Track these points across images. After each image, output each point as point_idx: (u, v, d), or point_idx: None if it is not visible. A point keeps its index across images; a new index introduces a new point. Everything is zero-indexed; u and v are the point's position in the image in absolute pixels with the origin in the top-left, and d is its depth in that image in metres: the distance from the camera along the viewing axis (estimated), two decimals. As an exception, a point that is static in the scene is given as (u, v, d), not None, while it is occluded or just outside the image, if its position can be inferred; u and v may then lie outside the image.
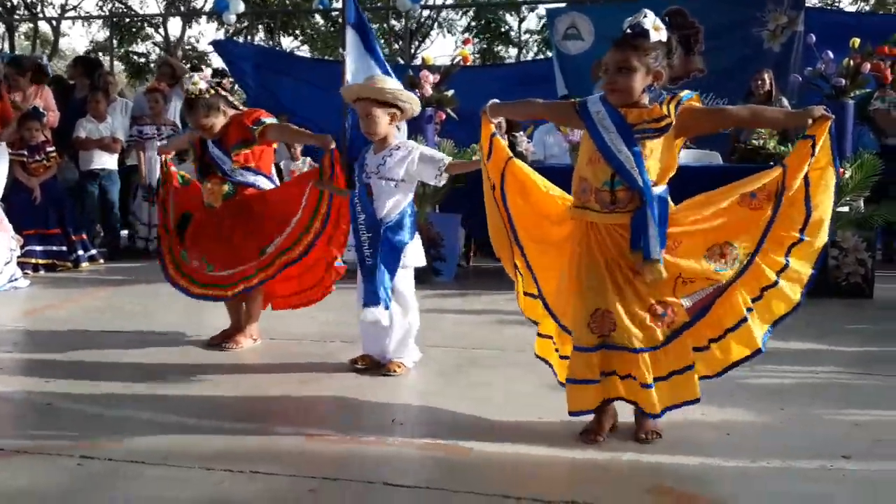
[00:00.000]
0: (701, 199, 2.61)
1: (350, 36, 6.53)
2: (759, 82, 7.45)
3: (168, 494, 2.23)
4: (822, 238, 2.58)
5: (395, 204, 3.40)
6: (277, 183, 4.08)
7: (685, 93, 2.59)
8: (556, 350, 2.82)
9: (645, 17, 2.53)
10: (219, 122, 3.87)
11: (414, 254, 3.45)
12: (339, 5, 10.82)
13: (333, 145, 3.67)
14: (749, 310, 2.58)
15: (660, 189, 2.56)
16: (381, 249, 3.33)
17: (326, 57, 21.38)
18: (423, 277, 5.88)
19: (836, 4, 19.66)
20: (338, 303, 3.95)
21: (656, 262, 2.48)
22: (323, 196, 3.75)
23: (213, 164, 3.90)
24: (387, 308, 3.30)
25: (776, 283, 2.58)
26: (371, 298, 3.30)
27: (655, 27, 2.53)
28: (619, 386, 2.59)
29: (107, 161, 7.58)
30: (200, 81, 3.82)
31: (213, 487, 2.27)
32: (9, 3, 22.32)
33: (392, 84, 3.49)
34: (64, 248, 6.77)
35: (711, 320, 2.59)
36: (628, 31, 2.56)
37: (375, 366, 3.50)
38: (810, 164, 2.50)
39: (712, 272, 2.55)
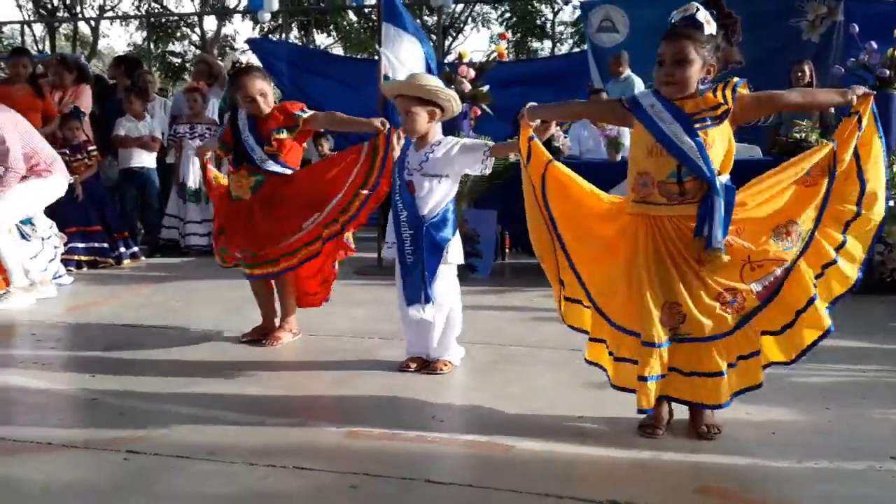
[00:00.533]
0: (757, 183, 2.60)
1: (385, 30, 6.48)
2: (800, 74, 7.31)
3: (213, 489, 2.26)
4: (879, 211, 2.59)
5: (439, 201, 3.38)
6: None
7: (736, 79, 2.57)
8: (611, 353, 2.78)
9: (697, 10, 2.51)
10: (269, 99, 3.88)
11: (455, 250, 3.43)
12: (372, 1, 10.84)
13: (388, 126, 3.68)
14: (814, 286, 2.56)
15: (724, 177, 2.56)
16: (424, 247, 3.31)
17: (360, 55, 21.49)
18: (459, 274, 5.89)
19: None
20: (371, 298, 3.96)
21: (718, 250, 2.47)
22: (370, 176, 3.75)
23: (244, 154, 3.88)
24: (431, 305, 3.30)
25: (835, 260, 2.58)
26: (414, 296, 3.30)
27: (707, 20, 2.52)
28: (680, 384, 2.58)
29: (146, 159, 7.66)
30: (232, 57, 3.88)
31: (257, 482, 2.30)
32: (49, 5, 22.74)
33: (433, 81, 3.45)
34: (106, 246, 6.86)
35: (783, 303, 2.56)
36: (681, 21, 2.53)
37: (424, 365, 3.48)
38: (858, 137, 2.54)
39: (782, 252, 2.54)
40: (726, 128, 2.57)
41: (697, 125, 2.53)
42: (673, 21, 2.58)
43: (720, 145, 2.55)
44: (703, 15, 2.53)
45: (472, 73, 6.26)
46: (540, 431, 2.69)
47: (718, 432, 2.61)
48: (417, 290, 3.29)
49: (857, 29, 5.82)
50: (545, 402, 3.03)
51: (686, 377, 2.57)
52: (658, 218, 2.58)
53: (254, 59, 11.95)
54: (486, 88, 6.36)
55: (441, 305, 3.38)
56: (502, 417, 2.87)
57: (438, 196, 3.38)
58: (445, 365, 3.43)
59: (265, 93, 3.86)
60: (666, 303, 2.54)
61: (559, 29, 23.54)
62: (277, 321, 4.07)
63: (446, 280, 3.41)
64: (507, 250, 7.22)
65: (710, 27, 2.54)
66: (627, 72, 8.27)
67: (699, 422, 2.64)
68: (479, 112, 6.39)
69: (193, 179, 7.58)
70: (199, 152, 4.24)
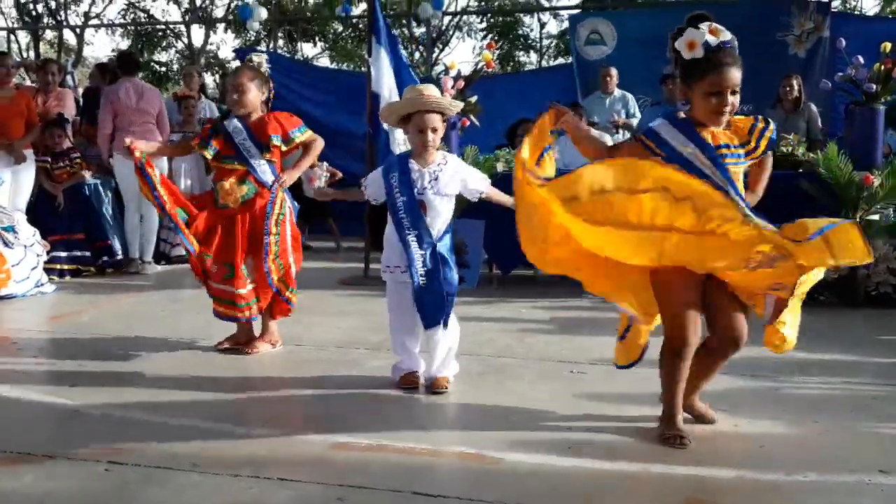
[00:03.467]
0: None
1: (382, 55, 6.45)
2: (788, 88, 7.39)
3: (196, 501, 2.22)
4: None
5: (446, 219, 3.32)
6: None
7: (772, 129, 2.64)
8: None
9: (722, 31, 2.52)
10: (256, 100, 3.83)
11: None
12: (358, 11, 10.87)
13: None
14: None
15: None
16: (439, 268, 3.22)
17: (347, 64, 21.51)
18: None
19: (861, 10, 19.47)
20: (357, 309, 3.93)
21: None
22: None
23: (236, 157, 3.81)
24: (445, 328, 3.24)
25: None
26: (434, 320, 3.21)
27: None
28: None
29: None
30: (256, 57, 3.88)
31: (241, 494, 2.26)
32: (34, 12, 22.62)
33: (436, 91, 3.40)
34: (89, 254, 6.80)
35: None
36: (724, 46, 2.54)
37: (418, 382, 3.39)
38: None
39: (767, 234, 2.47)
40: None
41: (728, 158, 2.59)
42: (716, 45, 2.53)
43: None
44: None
45: (461, 83, 6.25)
46: (528, 443, 2.67)
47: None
48: (439, 312, 3.21)
49: (844, 43, 5.86)
50: (534, 413, 3.00)
51: None
52: None
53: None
54: (474, 99, 6.36)
55: (453, 324, 3.34)
56: (491, 429, 2.84)
57: (446, 214, 3.32)
58: (447, 382, 3.35)
59: (252, 93, 3.80)
60: None
61: (545, 41, 23.69)
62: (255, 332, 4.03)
63: None
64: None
65: None
66: (616, 89, 8.24)
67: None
68: (467, 122, 6.38)
69: (183, 188, 7.49)
70: (133, 145, 3.77)
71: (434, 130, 3.27)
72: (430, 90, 3.35)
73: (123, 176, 6.89)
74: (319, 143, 3.98)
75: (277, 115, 3.90)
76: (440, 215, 3.29)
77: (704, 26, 2.53)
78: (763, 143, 2.60)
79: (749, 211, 2.49)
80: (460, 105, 3.40)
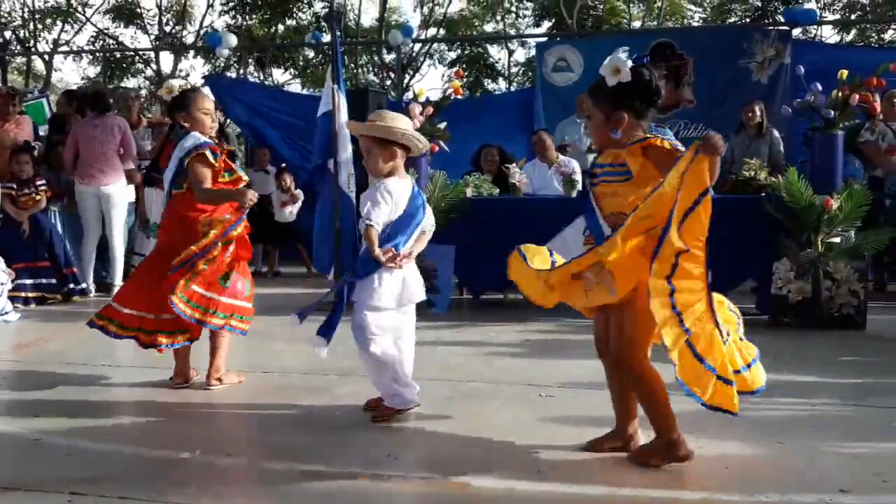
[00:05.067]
0: None
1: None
2: (750, 114, 7.53)
3: (160, 532, 2.19)
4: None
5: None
6: None
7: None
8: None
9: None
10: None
11: (369, 292, 3.21)
12: (328, 39, 10.87)
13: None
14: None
15: None
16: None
17: (317, 91, 21.52)
18: (416, 309, 5.87)
19: (820, 38, 19.96)
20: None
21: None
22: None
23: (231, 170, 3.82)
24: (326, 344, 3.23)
25: None
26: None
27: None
28: None
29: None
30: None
31: (206, 525, 2.24)
32: (1, 39, 22.43)
33: (394, 121, 3.30)
34: (54, 281, 6.72)
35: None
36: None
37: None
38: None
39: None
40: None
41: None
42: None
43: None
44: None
45: (430, 110, 6.29)
46: (497, 468, 2.67)
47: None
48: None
49: (802, 70, 6.00)
50: (502, 437, 3.01)
51: None
52: None
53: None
54: (443, 125, 6.41)
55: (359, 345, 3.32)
56: (459, 454, 2.84)
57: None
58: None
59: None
60: None
61: (514, 69, 23.97)
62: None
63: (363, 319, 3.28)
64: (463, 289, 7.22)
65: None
66: None
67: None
68: (436, 148, 6.42)
69: (157, 214, 7.48)
70: None
71: (368, 153, 3.29)
72: (385, 118, 3.31)
73: (82, 205, 7.16)
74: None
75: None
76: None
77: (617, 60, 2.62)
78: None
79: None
80: (417, 137, 3.32)
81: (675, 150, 2.51)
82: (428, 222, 3.35)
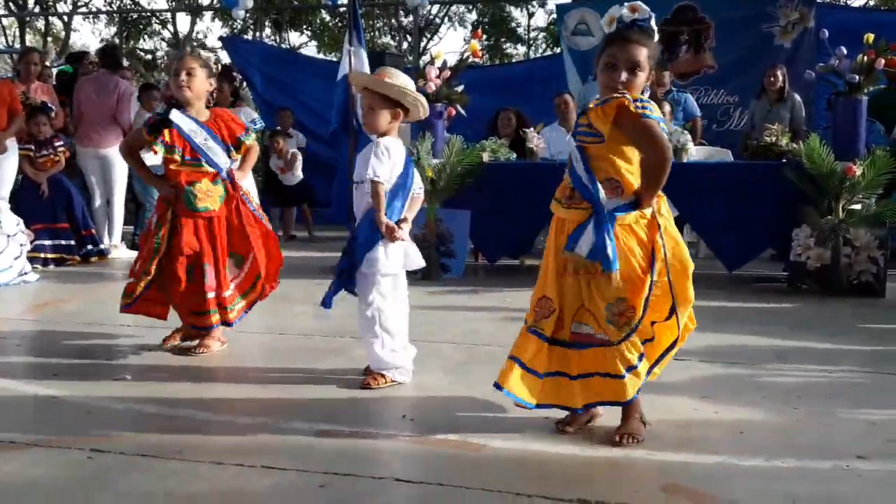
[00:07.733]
0: None
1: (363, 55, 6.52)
2: (772, 78, 7.43)
3: (180, 488, 2.22)
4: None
5: (364, 208, 3.23)
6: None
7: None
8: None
9: (641, 9, 2.46)
10: (202, 87, 3.64)
11: (374, 260, 3.19)
12: (345, 1, 10.80)
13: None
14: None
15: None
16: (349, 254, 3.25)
17: (334, 54, 21.40)
18: (432, 274, 5.90)
19: (845, 1, 19.55)
20: (341, 297, 3.91)
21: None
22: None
23: (197, 159, 3.61)
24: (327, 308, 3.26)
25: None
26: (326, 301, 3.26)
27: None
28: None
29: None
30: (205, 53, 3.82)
31: (225, 482, 2.27)
32: (21, 0, 22.40)
33: (402, 81, 3.23)
34: (73, 243, 6.77)
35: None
36: (638, 24, 2.45)
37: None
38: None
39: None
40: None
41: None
42: (627, 21, 2.45)
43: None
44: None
45: (447, 73, 6.24)
46: (511, 430, 2.68)
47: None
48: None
49: (826, 34, 5.88)
50: (516, 401, 3.02)
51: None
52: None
53: (226, 58, 11.88)
54: (460, 89, 6.35)
55: (359, 316, 3.35)
56: (473, 416, 2.86)
57: (363, 203, 3.24)
58: (374, 380, 3.27)
59: (196, 85, 3.61)
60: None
61: (533, 33, 23.69)
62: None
63: (364, 290, 3.32)
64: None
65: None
66: None
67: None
68: (454, 112, 6.38)
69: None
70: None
71: (371, 109, 3.22)
72: (390, 75, 3.23)
73: (86, 167, 7.35)
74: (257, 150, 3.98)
75: (231, 114, 3.83)
76: (358, 203, 3.27)
77: (628, 3, 2.46)
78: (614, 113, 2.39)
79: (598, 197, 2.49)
80: (419, 99, 3.23)
81: (639, 114, 2.36)
82: (417, 185, 3.33)
